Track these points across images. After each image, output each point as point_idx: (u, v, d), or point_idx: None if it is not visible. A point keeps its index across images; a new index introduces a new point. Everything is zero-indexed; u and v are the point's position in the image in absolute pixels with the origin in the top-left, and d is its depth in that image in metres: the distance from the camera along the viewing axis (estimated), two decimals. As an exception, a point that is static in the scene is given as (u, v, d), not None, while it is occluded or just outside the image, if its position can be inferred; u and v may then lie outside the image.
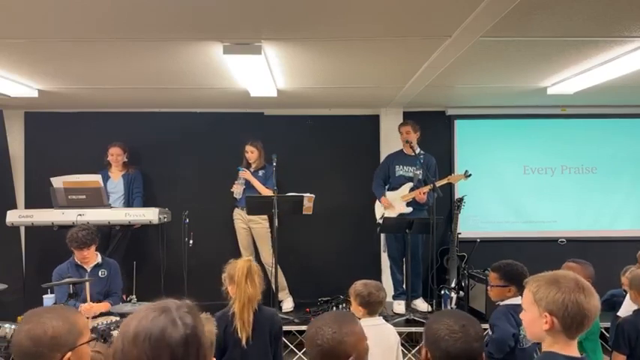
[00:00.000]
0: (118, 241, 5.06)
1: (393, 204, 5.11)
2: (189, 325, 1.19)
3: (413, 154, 5.07)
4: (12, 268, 5.59)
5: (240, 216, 5.24)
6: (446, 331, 1.68)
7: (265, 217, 5.10)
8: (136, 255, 5.20)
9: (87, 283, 3.74)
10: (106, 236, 4.93)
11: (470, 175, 5.07)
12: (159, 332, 1.16)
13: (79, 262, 3.99)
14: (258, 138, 5.30)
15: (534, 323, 1.67)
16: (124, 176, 5.38)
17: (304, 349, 4.71)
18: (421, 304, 5.13)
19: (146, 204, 5.36)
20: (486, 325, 4.54)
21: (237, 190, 5.18)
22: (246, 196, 4.99)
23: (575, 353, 1.64)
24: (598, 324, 3.04)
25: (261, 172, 5.23)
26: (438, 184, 4.99)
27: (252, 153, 5.23)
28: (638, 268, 3.44)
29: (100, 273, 4.03)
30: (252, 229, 5.23)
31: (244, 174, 5.16)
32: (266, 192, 5.05)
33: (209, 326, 2.07)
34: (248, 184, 5.19)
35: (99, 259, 4.06)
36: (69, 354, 1.51)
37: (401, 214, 5.04)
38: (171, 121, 5.79)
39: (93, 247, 3.97)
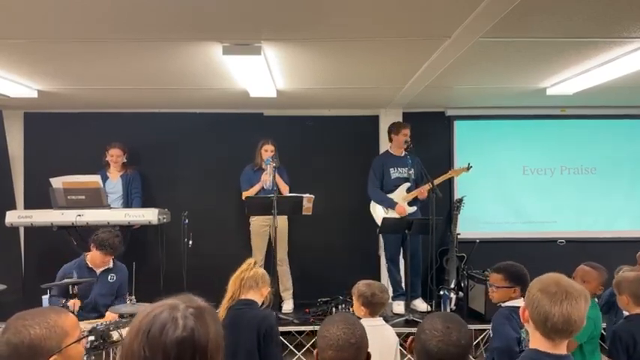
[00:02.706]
0: None
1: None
2: (189, 326, 1.15)
3: (403, 154, 5.16)
4: (11, 268, 5.58)
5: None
6: (429, 327, 1.73)
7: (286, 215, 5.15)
8: (136, 256, 5.18)
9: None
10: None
11: (471, 167, 5.12)
12: (157, 329, 1.14)
13: (89, 264, 3.97)
14: (260, 138, 5.25)
15: (522, 314, 1.76)
16: (123, 177, 5.38)
17: (304, 350, 4.71)
18: (420, 305, 5.13)
19: (145, 204, 5.35)
20: (485, 326, 4.57)
21: (268, 180, 5.12)
22: (246, 197, 4.98)
23: (558, 352, 1.66)
24: (599, 328, 2.98)
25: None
26: (440, 179, 5.05)
27: (272, 152, 5.17)
28: (638, 269, 3.39)
29: (109, 277, 4.03)
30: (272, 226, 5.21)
31: (273, 165, 5.05)
32: (286, 188, 5.13)
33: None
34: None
35: (110, 263, 4.06)
36: (54, 357, 1.50)
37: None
38: (171, 122, 5.79)
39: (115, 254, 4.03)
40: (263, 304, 2.96)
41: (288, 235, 5.31)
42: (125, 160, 5.43)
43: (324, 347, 1.79)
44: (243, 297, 2.85)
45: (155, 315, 1.17)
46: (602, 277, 3.06)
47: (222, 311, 2.79)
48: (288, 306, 5.20)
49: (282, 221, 5.13)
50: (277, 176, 5.08)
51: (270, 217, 4.87)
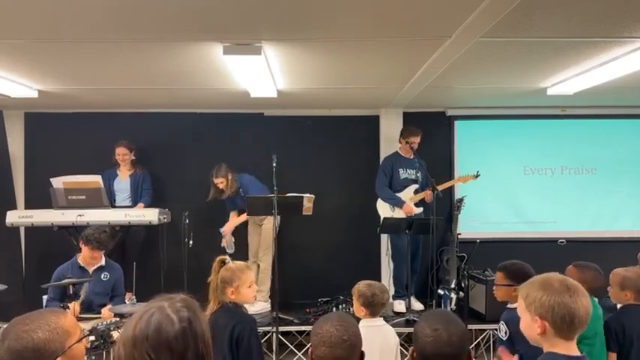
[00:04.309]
0: (133, 240, 5.16)
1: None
2: (185, 317, 1.23)
3: (411, 156, 5.18)
4: (12, 268, 5.59)
5: (251, 217, 5.20)
6: (420, 333, 1.74)
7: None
8: (137, 255, 5.19)
9: (84, 285, 3.73)
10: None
11: (479, 175, 5.17)
12: (155, 331, 1.19)
13: (82, 264, 3.97)
14: (215, 164, 5.23)
15: (530, 328, 1.70)
16: (132, 176, 5.37)
17: (304, 350, 4.71)
18: (414, 303, 5.15)
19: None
20: (486, 326, 4.57)
21: (228, 243, 5.17)
22: (247, 196, 4.98)
23: (575, 352, 1.65)
24: (592, 329, 2.91)
25: (240, 192, 5.19)
26: (447, 185, 5.10)
27: (222, 184, 5.16)
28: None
29: (102, 276, 4.02)
30: (262, 225, 5.21)
31: (226, 232, 5.17)
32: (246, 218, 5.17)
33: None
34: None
35: (102, 261, 4.05)
36: (58, 359, 1.50)
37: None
38: (171, 122, 5.78)
39: (104, 250, 4.02)
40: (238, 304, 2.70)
41: (288, 236, 5.32)
42: (133, 158, 5.43)
43: (318, 344, 1.79)
44: (222, 301, 2.66)
45: (147, 320, 1.22)
46: (581, 273, 2.90)
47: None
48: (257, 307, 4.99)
49: (271, 225, 5.00)
50: (239, 220, 5.19)
51: (255, 217, 5.05)
